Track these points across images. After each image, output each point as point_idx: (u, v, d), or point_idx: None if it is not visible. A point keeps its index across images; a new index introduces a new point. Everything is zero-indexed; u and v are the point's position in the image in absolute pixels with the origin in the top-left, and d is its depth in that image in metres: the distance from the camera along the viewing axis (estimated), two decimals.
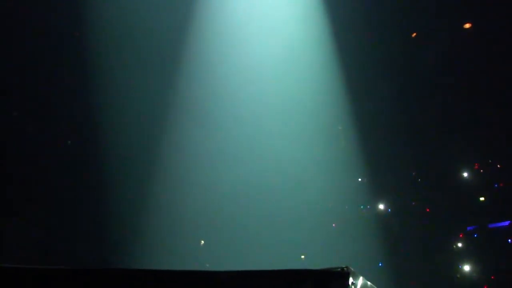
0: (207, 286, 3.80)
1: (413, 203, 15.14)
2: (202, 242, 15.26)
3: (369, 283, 4.26)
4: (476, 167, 15.06)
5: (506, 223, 14.36)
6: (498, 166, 14.91)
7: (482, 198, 14.65)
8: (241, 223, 14.68)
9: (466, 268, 14.39)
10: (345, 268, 3.68)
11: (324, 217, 15.04)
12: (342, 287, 3.59)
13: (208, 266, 14.51)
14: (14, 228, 13.00)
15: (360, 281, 3.93)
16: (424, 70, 14.67)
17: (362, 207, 15.71)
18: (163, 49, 14.39)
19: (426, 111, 14.92)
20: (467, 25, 14.62)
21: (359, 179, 15.60)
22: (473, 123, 14.38)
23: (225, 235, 14.71)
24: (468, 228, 14.84)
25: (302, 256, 14.48)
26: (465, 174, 15.00)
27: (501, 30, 13.89)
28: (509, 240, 14.36)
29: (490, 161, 14.99)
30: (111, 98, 14.01)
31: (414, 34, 14.98)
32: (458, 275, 14.39)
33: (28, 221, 13.30)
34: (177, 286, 3.80)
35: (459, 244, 14.73)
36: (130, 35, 13.90)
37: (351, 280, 3.65)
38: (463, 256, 14.56)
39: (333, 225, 15.44)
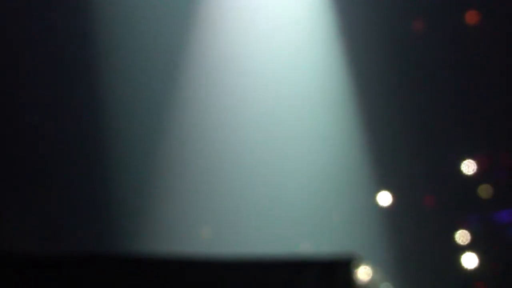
0: (198, 274, 3.67)
1: (417, 196, 15.17)
2: (206, 231, 15.32)
3: (375, 271, 4.24)
4: (481, 159, 15.08)
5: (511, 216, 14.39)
6: (503, 159, 14.92)
7: (486, 191, 14.67)
8: (241, 213, 14.73)
9: (469, 261, 14.44)
10: (352, 255, 3.63)
11: (327, 208, 15.09)
12: (349, 275, 3.55)
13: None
14: (17, 218, 13.15)
15: (367, 269, 3.89)
16: (432, 64, 14.67)
17: (366, 199, 15.73)
18: (170, 46, 14.45)
19: (432, 104, 14.94)
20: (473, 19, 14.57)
21: (365, 171, 15.62)
22: (479, 116, 14.40)
23: (225, 224, 14.76)
24: (471, 221, 14.87)
25: (305, 245, 14.52)
26: (470, 167, 15.02)
27: (510, 24, 13.85)
28: None
29: (491, 153, 15.00)
30: (117, 91, 14.13)
31: (421, 26, 14.96)
32: (460, 268, 14.45)
33: (31, 211, 13.43)
34: (167, 272, 3.67)
35: (462, 237, 14.77)
36: (136, 31, 13.99)
37: (358, 267, 3.61)
38: (466, 249, 14.60)
39: (336, 216, 15.49)
